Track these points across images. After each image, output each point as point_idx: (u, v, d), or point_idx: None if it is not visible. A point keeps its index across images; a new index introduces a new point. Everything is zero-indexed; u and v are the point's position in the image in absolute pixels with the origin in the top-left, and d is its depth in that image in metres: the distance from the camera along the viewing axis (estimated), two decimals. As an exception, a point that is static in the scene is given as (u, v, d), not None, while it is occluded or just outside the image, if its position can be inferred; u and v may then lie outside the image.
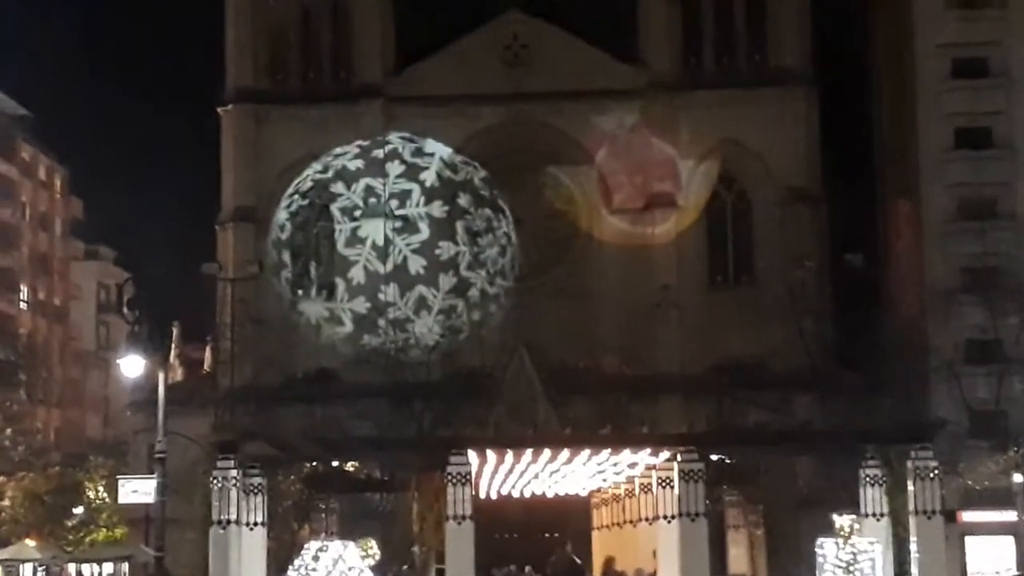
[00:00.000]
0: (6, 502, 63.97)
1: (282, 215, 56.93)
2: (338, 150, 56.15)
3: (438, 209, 53.21)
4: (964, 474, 59.86)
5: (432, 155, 54.38)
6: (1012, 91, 72.54)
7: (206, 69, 75.45)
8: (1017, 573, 61.64)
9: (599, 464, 37.60)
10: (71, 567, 63.87)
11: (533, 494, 44.38)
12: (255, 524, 33.01)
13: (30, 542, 61.56)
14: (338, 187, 55.78)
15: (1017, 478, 59.94)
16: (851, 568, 32.09)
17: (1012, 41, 72.70)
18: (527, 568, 46.11)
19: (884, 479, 34.53)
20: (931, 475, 32.66)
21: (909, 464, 33.02)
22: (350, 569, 30.63)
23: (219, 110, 74.14)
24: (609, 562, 42.79)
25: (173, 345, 76.69)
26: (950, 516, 48.06)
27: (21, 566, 62.42)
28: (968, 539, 65.13)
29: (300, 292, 61.25)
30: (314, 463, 41.24)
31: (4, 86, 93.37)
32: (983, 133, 72.63)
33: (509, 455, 35.73)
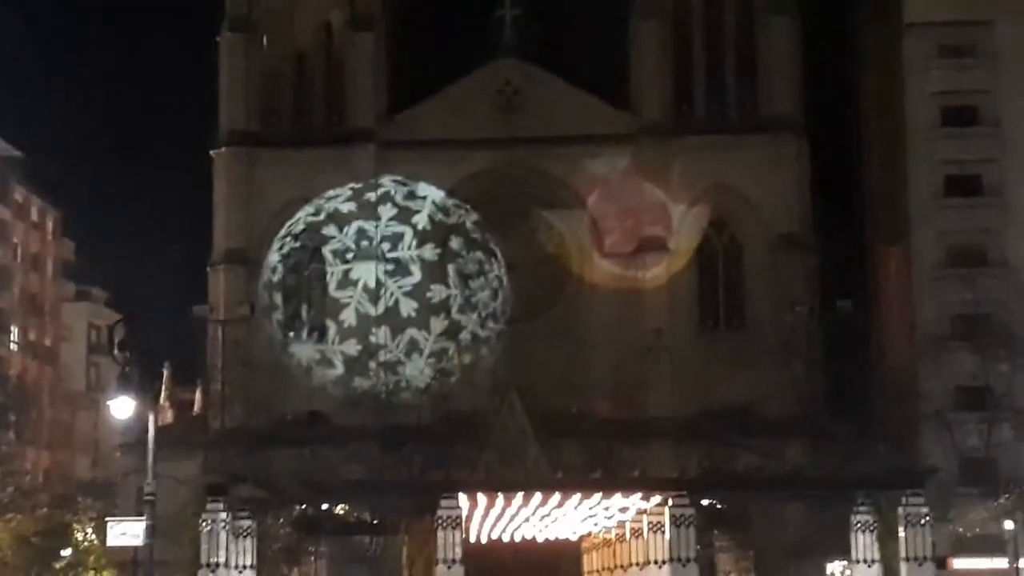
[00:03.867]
0: (-6, 544, 63.52)
1: (274, 257, 56.97)
2: (330, 193, 56.26)
3: (430, 252, 53.30)
4: (955, 521, 59.79)
5: (424, 198, 54.48)
6: (1001, 139, 72.94)
7: (199, 112, 75.38)
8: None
9: (590, 508, 37.58)
10: (58, 610, 63.39)
11: (523, 538, 44.31)
12: (244, 567, 32.97)
13: None
14: (330, 230, 55.86)
15: (1007, 525, 59.83)
16: (842, 614, 32.03)
17: (1002, 89, 73.19)
18: None
19: (875, 525, 34.54)
20: (922, 522, 32.73)
21: (900, 511, 33.07)
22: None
23: (212, 152, 74.26)
24: None
25: (164, 387, 76.61)
26: (941, 563, 47.96)
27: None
28: (959, 586, 64.95)
29: (291, 334, 61.19)
30: (304, 506, 41.13)
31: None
32: (973, 181, 72.96)
33: (500, 499, 35.70)
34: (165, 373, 77.69)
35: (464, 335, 49.63)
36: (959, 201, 72.50)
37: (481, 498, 35.09)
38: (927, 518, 32.76)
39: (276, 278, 57.15)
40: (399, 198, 53.84)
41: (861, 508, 34.36)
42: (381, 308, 55.63)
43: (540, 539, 44.57)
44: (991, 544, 61.98)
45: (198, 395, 77.50)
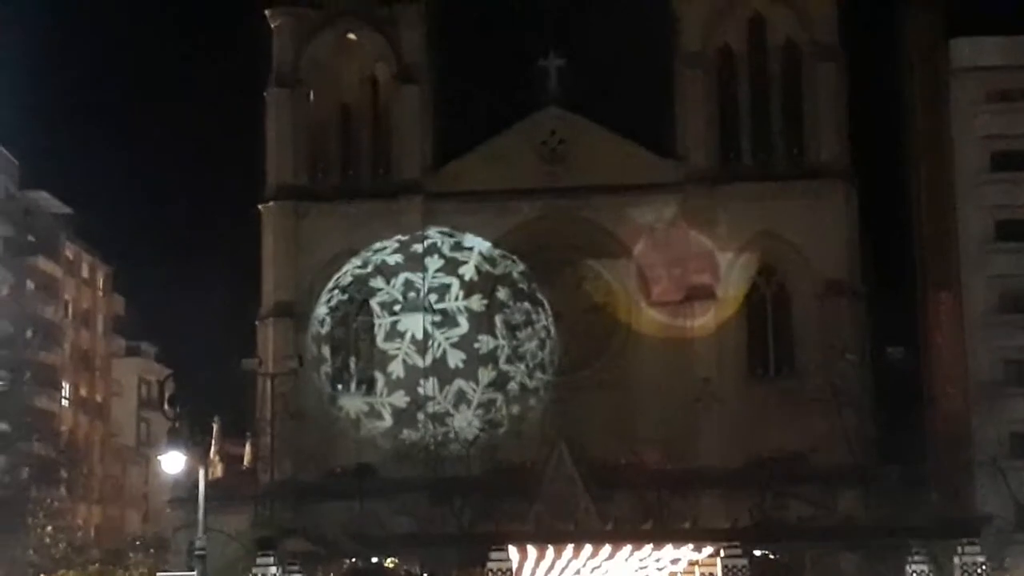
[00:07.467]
0: (46, 599, 63.78)
1: (322, 310, 57.40)
2: (377, 245, 56.67)
3: (477, 303, 53.54)
4: (1011, 570, 58.85)
5: (471, 249, 54.78)
6: (1052, 183, 72.37)
7: (247, 167, 75.90)
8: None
9: (641, 560, 37.23)
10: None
11: (574, 591, 43.89)
12: (294, 621, 32.86)
13: None
14: (378, 282, 56.28)
15: (1067, 574, 58.89)
16: (899, 666, 31.58)
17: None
18: None
19: (931, 575, 34.06)
20: (979, 571, 32.26)
21: (956, 560, 32.63)
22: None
23: (260, 206, 74.75)
24: None
25: (213, 441, 76.74)
26: (999, 612, 47.23)
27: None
28: (1017, 636, 63.88)
29: (339, 387, 61.58)
30: (354, 559, 41.01)
31: (48, 186, 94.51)
32: (1024, 225, 72.43)
33: (550, 551, 35.45)
34: (214, 427, 77.90)
35: (512, 386, 49.71)
36: (1010, 246, 71.99)
37: (531, 550, 34.84)
38: (984, 567, 32.29)
39: (324, 330, 57.62)
40: (446, 250, 54.21)
41: (916, 557, 33.94)
42: (429, 360, 55.89)
43: (591, 592, 44.17)
44: (1050, 593, 61.00)
45: (247, 449, 77.68)
